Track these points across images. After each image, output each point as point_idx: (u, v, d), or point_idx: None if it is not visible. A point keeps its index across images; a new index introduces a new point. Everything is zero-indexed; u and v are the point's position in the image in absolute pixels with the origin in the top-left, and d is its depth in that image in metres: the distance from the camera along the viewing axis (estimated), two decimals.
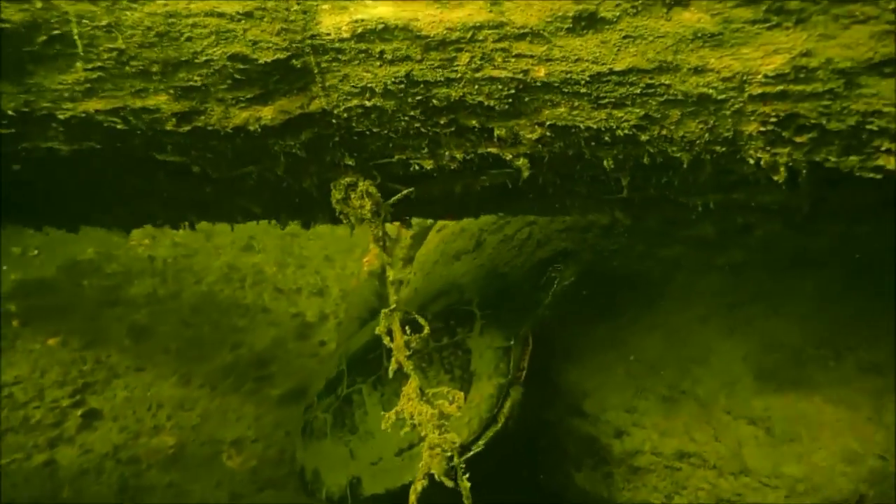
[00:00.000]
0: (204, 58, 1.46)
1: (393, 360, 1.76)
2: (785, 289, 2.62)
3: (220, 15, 1.41)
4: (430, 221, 4.27)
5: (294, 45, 1.49)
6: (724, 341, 2.60)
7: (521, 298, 2.76)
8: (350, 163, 1.75)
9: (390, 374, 1.78)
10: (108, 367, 3.33)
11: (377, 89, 1.57)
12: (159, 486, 3.01)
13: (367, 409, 2.74)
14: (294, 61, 1.51)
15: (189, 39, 1.42)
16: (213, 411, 3.39)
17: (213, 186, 1.77)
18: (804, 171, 1.70)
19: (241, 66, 1.49)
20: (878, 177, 1.67)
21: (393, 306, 1.75)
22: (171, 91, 1.48)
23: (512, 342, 2.59)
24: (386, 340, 1.77)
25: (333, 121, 1.64)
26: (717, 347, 2.59)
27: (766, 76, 1.48)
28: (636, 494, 2.53)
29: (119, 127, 1.47)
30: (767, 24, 1.38)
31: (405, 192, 1.82)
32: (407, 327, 1.78)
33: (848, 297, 2.54)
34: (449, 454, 1.84)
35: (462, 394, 1.81)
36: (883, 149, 1.61)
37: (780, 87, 1.51)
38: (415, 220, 4.46)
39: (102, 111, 1.45)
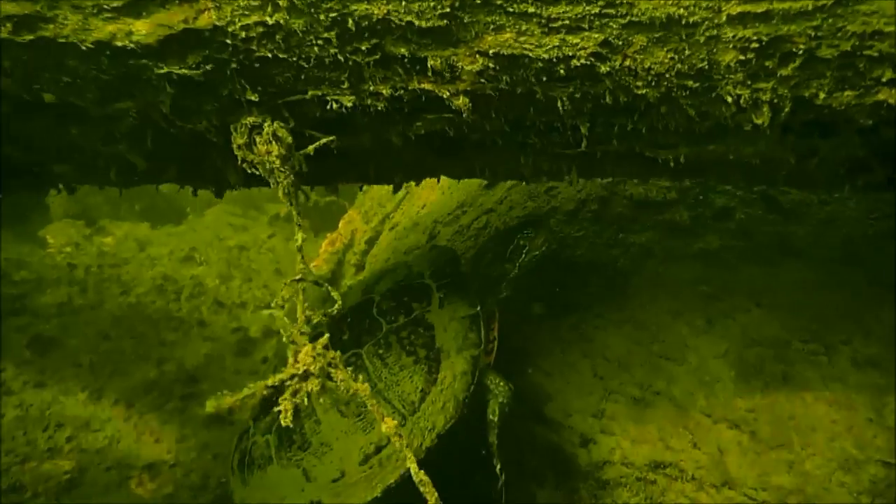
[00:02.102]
0: None
1: (286, 337, 1.44)
2: (766, 278, 2.39)
3: None
4: (386, 227, 3.97)
5: None
6: (701, 336, 2.35)
7: (482, 269, 2.44)
8: (253, 98, 1.45)
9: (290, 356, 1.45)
10: None
11: (281, 2, 1.30)
12: None
13: (319, 418, 2.32)
14: None
15: None
16: (126, 432, 2.95)
17: (80, 127, 1.44)
18: (789, 111, 1.46)
19: None
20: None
21: (299, 276, 1.43)
22: None
23: (479, 308, 2.26)
24: (279, 314, 1.44)
25: (228, 41, 1.35)
26: (694, 343, 2.34)
27: None
28: None
29: None
30: None
31: (324, 139, 1.53)
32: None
33: (836, 286, 2.32)
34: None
35: None
36: (884, 80, 1.38)
37: (764, 6, 1.29)
38: (370, 224, 4.17)
39: None
